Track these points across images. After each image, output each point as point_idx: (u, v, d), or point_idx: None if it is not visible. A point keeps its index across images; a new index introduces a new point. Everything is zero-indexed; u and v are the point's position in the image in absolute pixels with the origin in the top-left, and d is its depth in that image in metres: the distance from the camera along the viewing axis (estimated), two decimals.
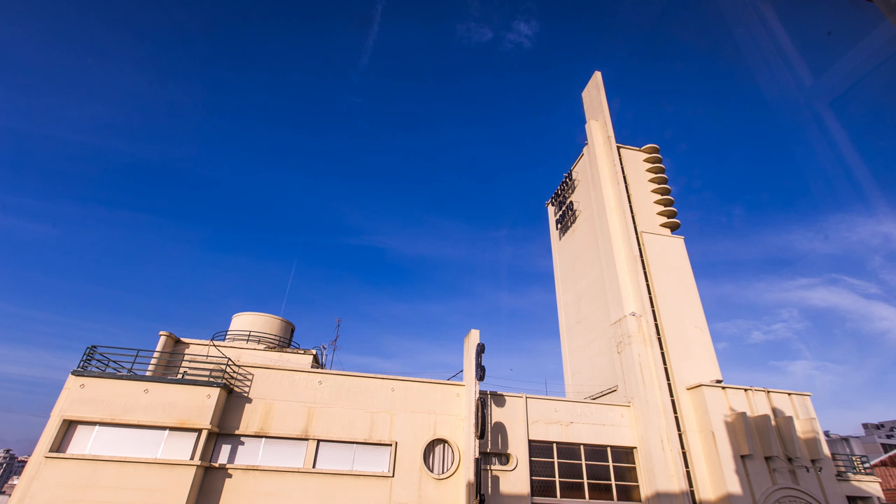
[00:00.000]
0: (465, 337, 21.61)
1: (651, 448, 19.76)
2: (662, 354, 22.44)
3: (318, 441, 17.81)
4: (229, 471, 16.60)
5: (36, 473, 14.76)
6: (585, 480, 19.58)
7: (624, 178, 27.70)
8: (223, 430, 17.22)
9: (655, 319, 23.34)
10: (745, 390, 21.62)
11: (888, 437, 76.18)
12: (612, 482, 19.81)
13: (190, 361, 18.72)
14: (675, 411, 21.00)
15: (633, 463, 20.44)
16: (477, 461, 17.72)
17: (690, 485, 19.36)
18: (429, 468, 18.32)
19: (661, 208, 27.52)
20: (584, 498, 19.19)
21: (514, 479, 18.72)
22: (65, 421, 15.72)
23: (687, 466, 19.79)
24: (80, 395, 16.11)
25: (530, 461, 19.32)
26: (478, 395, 18.91)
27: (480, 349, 19.99)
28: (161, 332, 19.96)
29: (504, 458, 19.25)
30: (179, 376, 18.51)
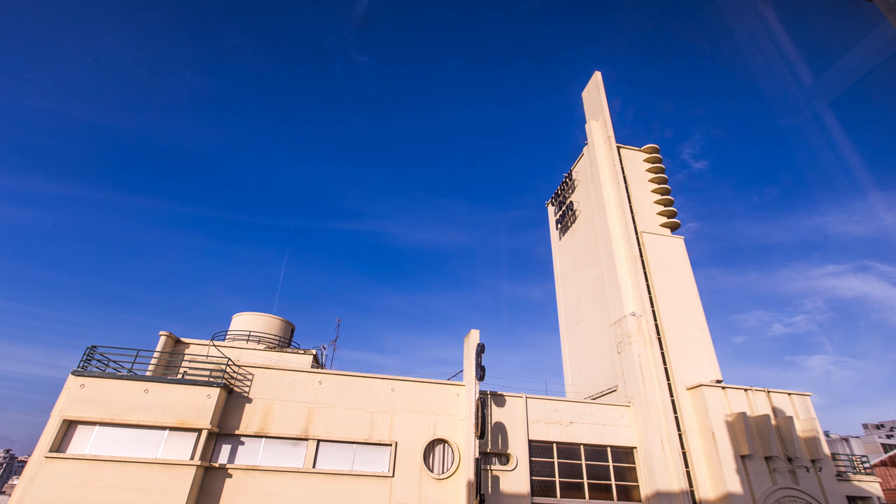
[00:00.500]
0: (465, 337, 21.61)
1: (651, 448, 19.75)
2: (662, 354, 22.44)
3: (318, 441, 17.81)
4: (229, 471, 16.59)
5: (36, 473, 14.76)
6: (585, 480, 19.57)
7: (624, 178, 27.69)
8: (223, 430, 17.22)
9: (655, 319, 23.34)
10: (745, 390, 21.62)
11: (888, 437, 76.20)
12: (612, 482, 19.81)
13: (190, 361, 18.72)
14: (675, 411, 21.00)
15: (633, 463, 20.44)
16: (477, 461, 17.72)
17: (690, 485, 19.36)
18: (429, 468, 18.32)
19: (661, 208, 27.51)
20: (584, 498, 19.19)
21: (514, 479, 18.72)
22: (65, 421, 15.71)
23: (687, 466, 19.79)
24: (80, 395, 16.11)
25: (530, 461, 19.31)
26: (478, 395, 18.91)
27: (480, 349, 19.99)
28: (161, 333, 19.96)
29: (504, 458, 19.24)
30: (179, 376, 18.51)
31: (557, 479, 19.37)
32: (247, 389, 18.16)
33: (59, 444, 15.46)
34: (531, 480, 18.94)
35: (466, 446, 18.53)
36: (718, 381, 21.77)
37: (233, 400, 17.83)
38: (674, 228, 27.21)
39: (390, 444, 18.32)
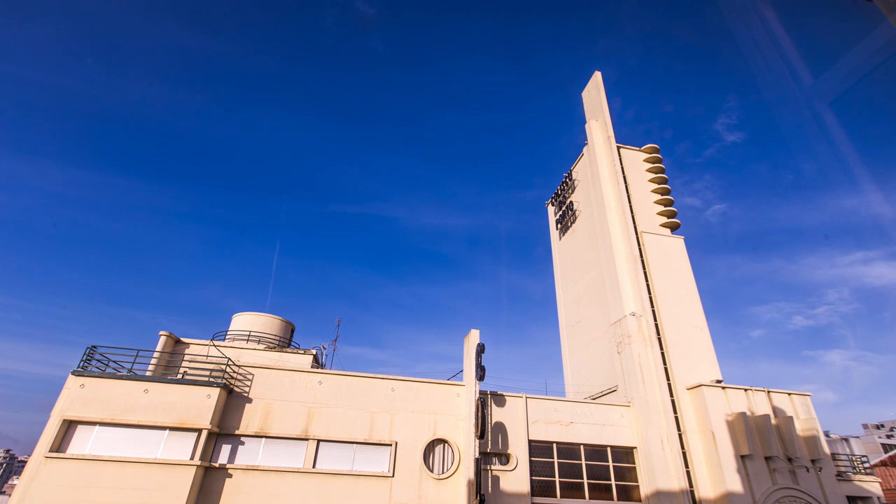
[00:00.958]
0: (465, 337, 21.61)
1: (651, 448, 19.75)
2: (662, 354, 22.44)
3: (318, 441, 17.81)
4: (229, 471, 16.59)
5: (36, 473, 14.75)
6: (585, 480, 19.57)
7: (624, 178, 27.69)
8: (223, 430, 17.22)
9: (655, 319, 23.34)
10: (745, 390, 21.62)
11: (888, 437, 76.20)
12: (612, 482, 19.81)
13: (190, 361, 18.72)
14: (675, 411, 21.00)
15: (633, 463, 20.44)
16: (477, 461, 17.72)
17: (690, 485, 19.36)
18: (429, 468, 18.32)
19: (661, 208, 27.51)
20: (584, 498, 19.19)
21: (514, 479, 18.72)
22: (65, 421, 15.71)
23: (687, 466, 19.79)
24: (80, 395, 16.11)
25: (530, 461, 19.31)
26: (478, 395, 18.91)
27: (480, 349, 19.99)
28: (161, 333, 19.97)
29: (504, 458, 19.24)
30: (179, 376, 18.51)
31: (557, 479, 19.37)
32: (247, 389, 18.16)
33: (60, 444, 15.46)
34: (531, 480, 18.94)
35: (466, 446, 18.53)
36: (718, 381, 21.78)
37: (233, 400, 17.83)
38: (674, 228, 27.21)
39: (390, 444, 18.32)
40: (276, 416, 17.87)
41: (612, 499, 19.47)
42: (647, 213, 27.10)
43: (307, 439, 17.72)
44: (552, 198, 36.42)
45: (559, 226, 34.31)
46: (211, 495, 16.10)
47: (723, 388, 21.27)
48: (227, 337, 23.27)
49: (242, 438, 17.37)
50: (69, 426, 15.86)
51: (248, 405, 17.90)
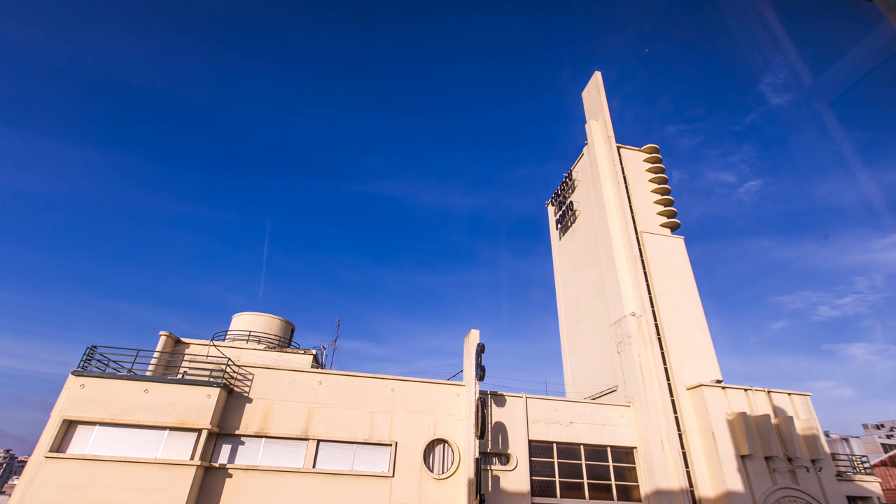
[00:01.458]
0: (465, 337, 21.61)
1: (651, 448, 19.75)
2: (662, 354, 22.44)
3: (318, 441, 17.81)
4: (229, 471, 16.59)
5: (36, 473, 14.76)
6: (585, 480, 19.57)
7: (624, 178, 27.69)
8: (223, 430, 17.22)
9: (655, 319, 23.34)
10: (745, 390, 21.62)
11: (888, 437, 76.19)
12: (612, 482, 19.81)
13: (190, 361, 18.72)
14: (675, 411, 21.00)
15: (633, 463, 20.44)
16: (477, 461, 17.71)
17: (690, 485, 19.36)
18: (429, 468, 18.32)
19: (661, 208, 27.52)
20: (584, 498, 19.18)
21: (514, 479, 18.72)
22: (65, 421, 15.71)
23: (687, 466, 19.79)
24: (80, 395, 16.11)
25: (530, 461, 19.31)
26: (478, 395, 18.91)
27: (480, 349, 19.99)
28: (161, 333, 19.97)
29: (504, 458, 19.24)
30: (179, 376, 18.51)
31: (557, 479, 19.36)
32: (247, 389, 18.16)
33: (60, 444, 15.46)
34: (531, 480, 18.94)
35: (466, 446, 18.53)
36: (718, 381, 21.77)
37: (233, 400, 17.83)
38: (674, 228, 27.21)
39: (390, 444, 18.32)
40: (276, 416, 17.87)
41: (612, 499, 19.47)
42: (647, 213, 27.11)
43: (307, 439, 17.72)
44: (552, 198, 36.42)
45: (559, 226, 34.31)
46: (211, 495, 16.10)
47: (723, 387, 21.27)
48: (227, 337, 23.27)
49: (242, 438, 17.37)
50: (69, 426, 15.86)
51: (248, 405, 17.90)
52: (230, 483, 16.41)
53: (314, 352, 22.51)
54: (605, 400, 23.46)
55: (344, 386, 19.12)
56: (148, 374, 18.52)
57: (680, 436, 20.47)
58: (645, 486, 19.60)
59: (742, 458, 19.47)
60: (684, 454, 20.07)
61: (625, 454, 20.61)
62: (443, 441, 19.07)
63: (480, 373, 19.35)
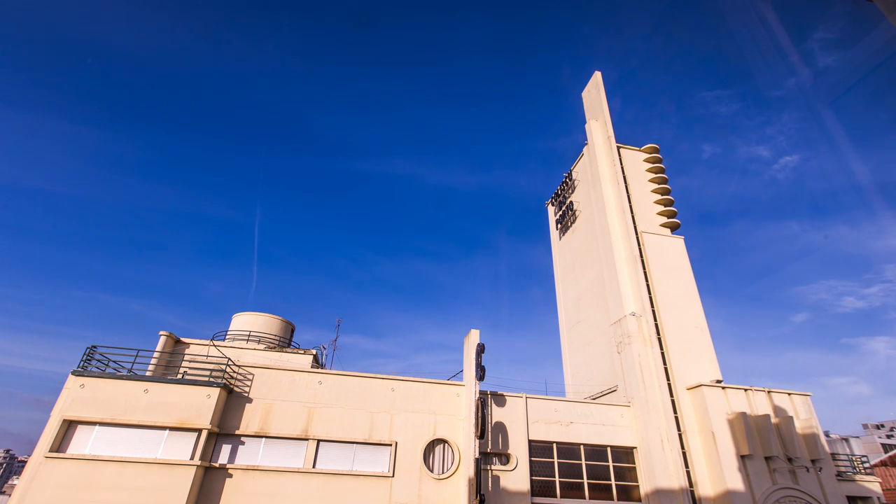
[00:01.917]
0: (465, 337, 21.61)
1: (651, 448, 19.75)
2: (662, 354, 22.43)
3: (318, 441, 17.81)
4: (229, 471, 16.59)
5: (36, 473, 14.76)
6: (585, 480, 19.57)
7: (624, 178, 27.69)
8: (223, 430, 17.22)
9: (655, 319, 23.34)
10: (745, 390, 21.62)
11: (888, 437, 76.19)
12: (612, 482, 19.81)
13: (190, 361, 18.72)
14: (675, 411, 21.00)
15: (633, 463, 20.44)
16: (477, 461, 17.72)
17: (690, 485, 19.36)
18: (429, 468, 18.32)
19: (661, 208, 27.52)
20: (584, 498, 19.18)
21: (515, 478, 18.72)
22: (65, 421, 15.71)
23: (687, 466, 19.79)
24: (80, 395, 16.11)
25: (530, 461, 19.31)
26: (478, 395, 18.91)
27: (480, 349, 19.99)
28: (161, 333, 19.97)
29: (504, 458, 19.24)
30: (179, 376, 18.51)
31: (557, 479, 19.37)
32: (247, 389, 18.16)
33: (60, 444, 15.46)
34: (531, 480, 18.94)
35: (466, 446, 18.53)
36: (718, 381, 21.78)
37: (233, 400, 17.83)
38: (674, 228, 27.21)
39: (390, 444, 18.32)
40: (276, 416, 17.87)
41: (612, 499, 19.47)
42: (647, 213, 27.11)
43: (307, 439, 17.72)
44: (552, 198, 36.42)
45: (559, 226, 34.31)
46: (211, 495, 16.10)
47: (723, 387, 21.27)
48: (227, 337, 23.28)
49: (242, 438, 17.37)
50: (69, 426, 15.86)
51: (248, 405, 17.90)
52: (230, 483, 16.41)
53: (314, 352, 22.52)
54: (605, 400, 23.46)
55: (344, 386, 19.12)
56: (148, 374, 18.52)
57: (680, 436, 20.47)
58: (645, 486, 19.60)
59: (742, 458, 19.47)
60: (684, 454, 20.06)
61: (625, 454, 20.61)
62: (443, 441, 19.07)
63: (480, 373, 19.35)
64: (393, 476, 17.70)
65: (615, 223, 26.47)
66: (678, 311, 23.94)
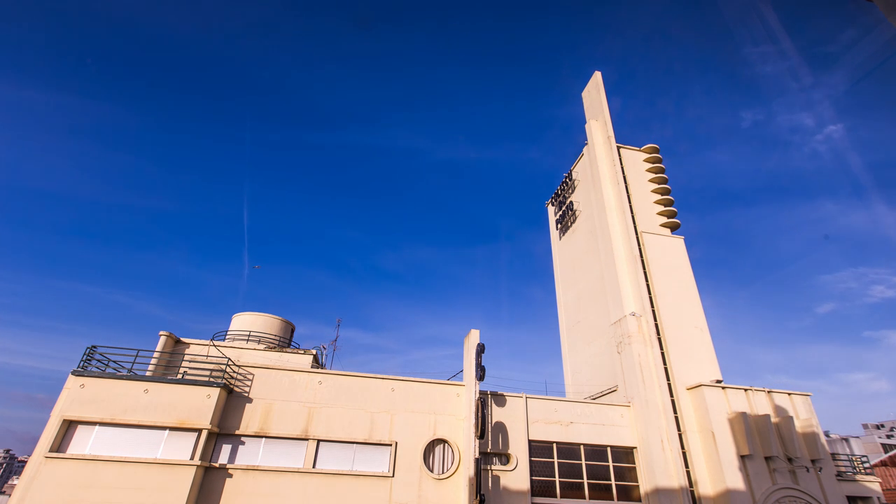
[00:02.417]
0: (466, 337, 21.61)
1: (651, 448, 19.76)
2: (662, 354, 22.44)
3: (318, 441, 17.81)
4: (229, 471, 16.59)
5: (36, 473, 14.75)
6: (585, 480, 19.57)
7: (624, 178, 27.70)
8: (223, 430, 17.22)
9: (655, 319, 23.34)
10: (745, 390, 21.63)
11: (888, 437, 76.16)
12: (612, 482, 19.81)
13: (190, 361, 18.72)
14: (675, 411, 21.00)
15: (633, 463, 20.44)
16: (477, 461, 17.71)
17: (690, 485, 19.36)
18: (429, 468, 18.32)
19: (661, 208, 27.53)
20: (584, 498, 19.18)
21: (515, 478, 18.72)
22: (65, 421, 15.71)
23: (687, 466, 19.79)
24: (80, 395, 16.11)
25: (530, 461, 19.31)
26: (478, 395, 18.91)
27: (480, 349, 19.99)
28: (161, 333, 19.97)
29: (504, 458, 19.24)
30: (179, 376, 18.51)
31: (557, 479, 19.36)
32: (247, 389, 18.16)
33: (59, 444, 15.45)
34: (531, 480, 18.94)
35: (466, 446, 18.53)
36: (718, 381, 21.78)
37: (233, 400, 17.83)
38: (674, 228, 27.22)
39: (390, 444, 18.32)
40: (276, 416, 17.87)
41: (612, 499, 19.47)
42: (647, 213, 27.12)
43: (307, 439, 17.72)
44: (552, 198, 36.42)
45: (559, 226, 34.31)
46: (211, 495, 16.10)
47: (723, 387, 21.27)
48: (227, 337, 23.28)
49: (242, 438, 17.37)
50: (69, 426, 15.85)
51: (248, 405, 17.90)
52: (230, 483, 16.41)
53: (314, 352, 22.52)
54: (605, 400, 23.46)
55: (344, 386, 19.12)
56: (148, 374, 18.52)
57: (680, 436, 20.47)
58: (645, 486, 19.60)
59: (742, 458, 19.47)
60: (684, 454, 20.07)
61: (625, 454, 20.61)
62: (443, 441, 19.07)
63: (480, 373, 19.35)
64: (393, 476, 17.70)
65: (615, 223, 26.48)
66: (678, 310, 23.95)
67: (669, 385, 21.66)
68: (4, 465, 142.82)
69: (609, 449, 20.47)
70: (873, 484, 22.74)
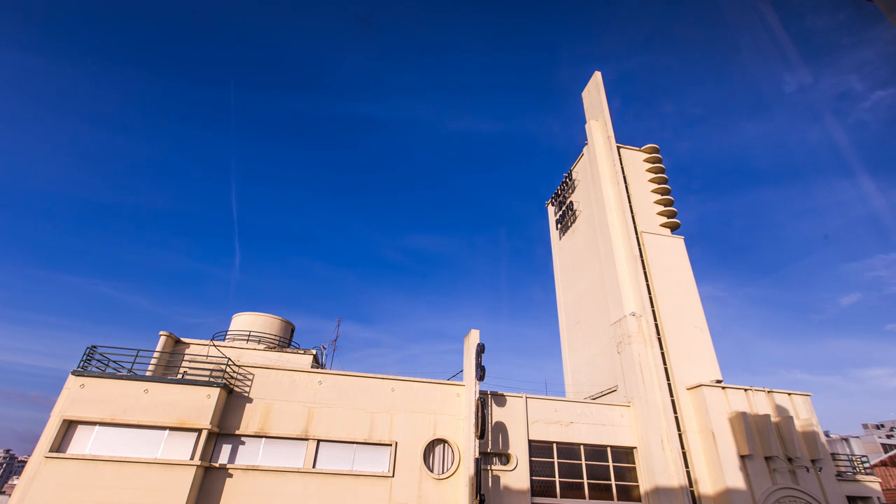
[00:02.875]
0: (466, 337, 21.61)
1: (651, 448, 19.75)
2: (662, 354, 22.44)
3: (318, 441, 17.81)
4: (229, 471, 16.59)
5: (36, 473, 14.75)
6: (585, 480, 19.57)
7: (624, 178, 27.70)
8: (223, 430, 17.22)
9: (655, 319, 23.34)
10: (745, 390, 21.63)
11: (888, 437, 76.18)
12: (612, 482, 19.81)
13: (190, 361, 18.72)
14: (675, 411, 21.00)
15: (633, 463, 20.44)
16: (477, 461, 17.71)
17: (690, 485, 19.36)
18: (429, 468, 18.32)
19: (661, 208, 27.52)
20: (584, 498, 19.18)
21: (515, 478, 18.72)
22: (65, 421, 15.71)
23: (687, 466, 19.79)
24: (80, 395, 16.11)
25: (530, 461, 19.31)
26: (478, 395, 18.91)
27: (480, 349, 19.99)
28: (161, 333, 19.97)
29: (504, 458, 19.24)
30: (179, 376, 18.51)
31: (557, 479, 19.36)
32: (247, 389, 18.16)
33: (59, 444, 15.45)
34: (531, 480, 18.94)
35: (466, 446, 18.53)
36: (718, 381, 21.78)
37: (233, 400, 17.83)
38: (674, 228, 27.22)
39: (390, 444, 18.32)
40: (276, 416, 17.87)
41: (612, 499, 19.47)
42: (647, 213, 27.12)
43: (307, 439, 17.72)
44: (552, 198, 36.42)
45: (559, 226, 34.31)
46: (211, 495, 16.10)
47: (723, 387, 21.27)
48: (227, 337, 23.28)
49: (242, 438, 17.37)
50: (69, 426, 15.85)
51: (248, 405, 17.90)
52: (230, 483, 16.41)
53: (314, 352, 22.52)
54: (605, 400, 23.46)
55: (344, 386, 19.12)
56: (148, 374, 18.52)
57: (680, 436, 20.47)
58: (645, 486, 19.60)
59: (742, 458, 19.47)
60: (684, 454, 20.07)
61: (625, 454, 20.61)
62: (443, 441, 19.07)
63: (480, 373, 19.35)
64: (393, 476, 17.70)
65: (615, 223, 26.48)
66: (678, 310, 23.95)
67: (669, 385, 21.66)
68: (4, 465, 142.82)
69: (609, 449, 20.47)
70: (873, 484, 22.74)
